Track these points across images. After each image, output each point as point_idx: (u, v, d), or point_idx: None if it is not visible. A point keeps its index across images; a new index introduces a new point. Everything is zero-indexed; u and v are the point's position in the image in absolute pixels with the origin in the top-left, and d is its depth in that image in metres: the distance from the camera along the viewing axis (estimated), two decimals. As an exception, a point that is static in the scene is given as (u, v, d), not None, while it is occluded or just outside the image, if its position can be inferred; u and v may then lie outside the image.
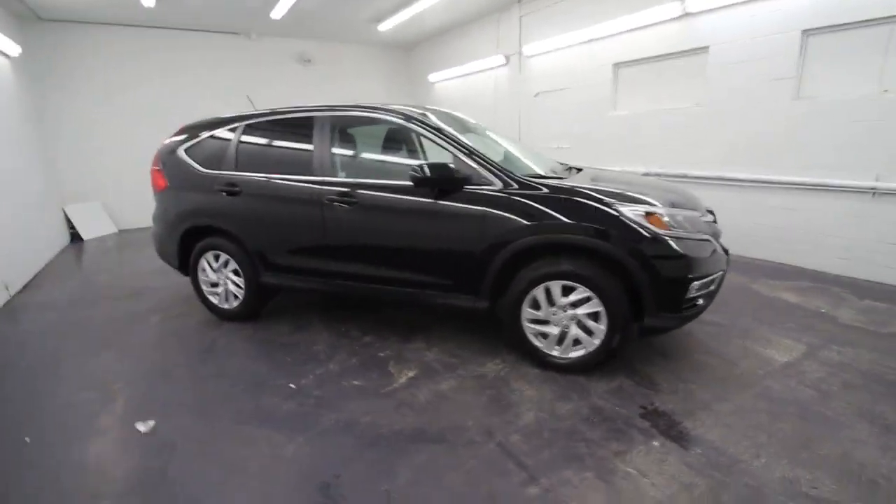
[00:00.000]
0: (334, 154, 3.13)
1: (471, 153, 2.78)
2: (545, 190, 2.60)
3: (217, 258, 3.57)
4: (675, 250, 2.41)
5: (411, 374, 2.82)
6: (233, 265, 3.50)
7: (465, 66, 8.36)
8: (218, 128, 3.56)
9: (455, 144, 2.83)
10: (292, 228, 3.25)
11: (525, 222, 2.57)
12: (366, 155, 3.44)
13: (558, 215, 2.52)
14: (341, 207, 3.01)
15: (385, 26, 7.86)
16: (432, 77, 9.47)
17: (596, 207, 2.48)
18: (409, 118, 2.99)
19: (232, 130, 3.49)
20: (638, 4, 5.33)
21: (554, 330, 2.67)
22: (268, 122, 3.42)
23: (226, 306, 3.67)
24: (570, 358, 2.68)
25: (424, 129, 2.93)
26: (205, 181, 3.48)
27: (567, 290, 2.58)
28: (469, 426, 2.28)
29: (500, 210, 2.64)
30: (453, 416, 2.37)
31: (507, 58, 7.42)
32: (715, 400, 2.44)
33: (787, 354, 2.87)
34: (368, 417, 2.39)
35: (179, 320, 3.80)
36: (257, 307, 3.66)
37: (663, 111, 5.44)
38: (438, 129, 2.90)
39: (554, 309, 2.64)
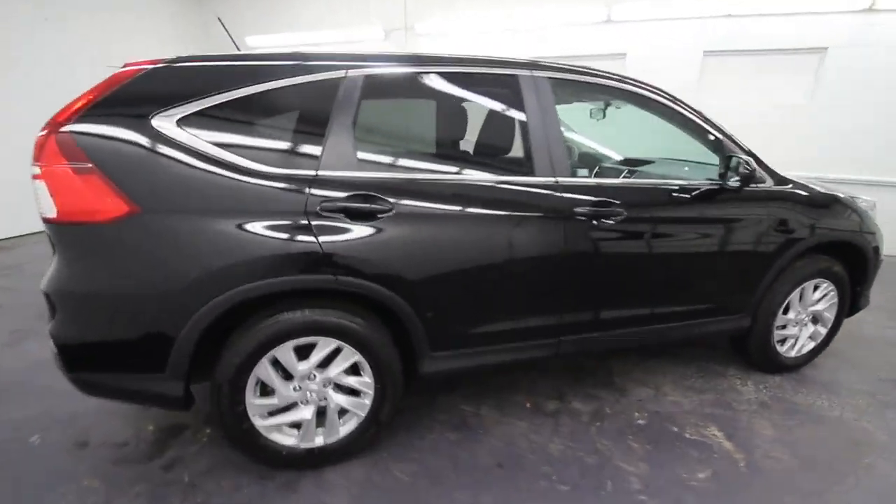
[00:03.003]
0: (569, 142, 1.98)
1: (740, 145, 2.31)
2: (817, 189, 2.42)
3: (304, 352, 1.71)
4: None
5: (713, 432, 2.16)
6: (350, 357, 1.76)
7: (312, 35, 6.69)
8: (275, 79, 1.64)
9: (725, 134, 2.29)
10: (511, 266, 1.89)
11: (804, 224, 2.35)
12: (592, 142, 2.35)
13: (830, 214, 2.41)
14: (600, 223, 1.95)
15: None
16: (253, 41, 7.16)
17: (850, 204, 2.49)
18: (661, 93, 2.23)
19: (328, 88, 1.68)
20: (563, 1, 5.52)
21: (794, 331, 2.57)
22: (419, 75, 1.83)
23: (318, 442, 1.83)
24: (802, 356, 2.65)
25: (688, 110, 2.32)
26: (282, 198, 1.59)
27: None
28: None
29: (785, 211, 2.31)
30: (859, 465, 1.96)
31: (388, 33, 6.37)
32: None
33: (865, 315, 3.37)
34: (813, 513, 1.70)
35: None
36: (382, 426, 1.92)
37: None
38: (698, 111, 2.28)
39: (799, 309, 2.53)
